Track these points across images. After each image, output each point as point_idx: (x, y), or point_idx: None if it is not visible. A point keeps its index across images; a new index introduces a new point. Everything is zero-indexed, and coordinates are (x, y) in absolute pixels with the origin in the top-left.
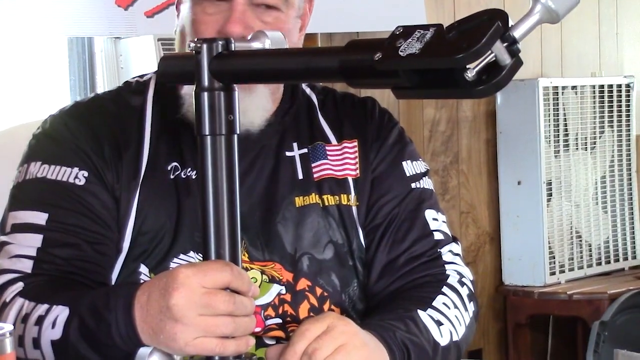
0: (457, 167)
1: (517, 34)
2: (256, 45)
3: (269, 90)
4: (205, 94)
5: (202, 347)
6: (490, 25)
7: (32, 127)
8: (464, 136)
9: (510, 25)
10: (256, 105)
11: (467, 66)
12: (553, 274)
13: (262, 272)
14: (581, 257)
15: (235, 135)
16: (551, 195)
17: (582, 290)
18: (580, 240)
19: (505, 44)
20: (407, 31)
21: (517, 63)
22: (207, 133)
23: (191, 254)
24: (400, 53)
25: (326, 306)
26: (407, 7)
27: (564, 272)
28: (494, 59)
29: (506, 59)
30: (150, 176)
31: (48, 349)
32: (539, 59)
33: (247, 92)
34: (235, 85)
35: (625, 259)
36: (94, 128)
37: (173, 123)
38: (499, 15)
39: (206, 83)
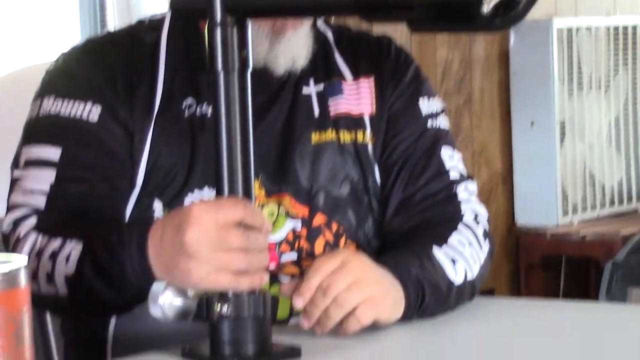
0: (470, 107)
1: None
2: None
3: (310, 30)
4: (218, 28)
5: (215, 282)
6: None
7: (44, 68)
8: (477, 77)
9: None
10: (303, 44)
11: None
12: (566, 214)
13: (279, 205)
14: (594, 198)
15: (249, 71)
16: (564, 136)
17: (595, 230)
18: (594, 181)
19: None
20: None
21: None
22: (220, 69)
23: (205, 189)
24: None
25: (342, 242)
26: None
27: (576, 212)
28: None
29: None
30: (165, 113)
31: (62, 283)
32: None
33: (292, 31)
34: (249, 18)
35: (639, 199)
36: (107, 63)
37: (189, 59)
38: None
39: (219, 18)
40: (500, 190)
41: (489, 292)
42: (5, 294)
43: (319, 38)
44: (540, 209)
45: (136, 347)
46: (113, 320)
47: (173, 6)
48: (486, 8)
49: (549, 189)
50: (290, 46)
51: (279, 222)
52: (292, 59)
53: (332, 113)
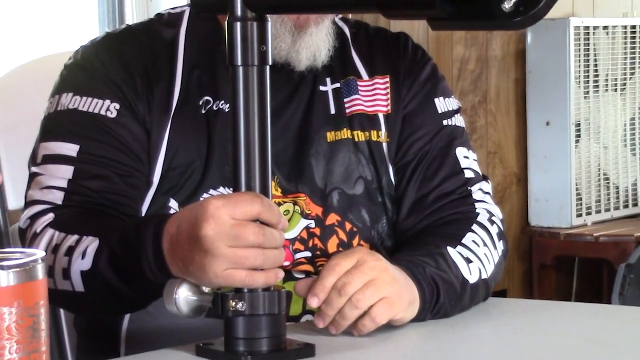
0: (486, 106)
1: None
2: None
3: (331, 25)
4: (238, 23)
5: (231, 278)
6: None
7: (63, 58)
8: (493, 75)
9: None
10: (324, 40)
11: None
12: (579, 215)
13: (294, 203)
14: (608, 199)
15: (268, 67)
16: (580, 137)
17: (609, 232)
18: (608, 182)
19: None
20: None
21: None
22: (239, 63)
23: (220, 189)
24: None
25: (355, 241)
26: None
27: (590, 214)
28: None
29: None
30: (182, 110)
31: (78, 279)
32: None
33: (314, 27)
34: (268, 14)
35: None
36: (125, 59)
37: (208, 55)
38: None
39: (239, 12)
40: (514, 190)
41: (502, 292)
42: (21, 287)
43: (337, 33)
44: (554, 209)
45: (150, 342)
46: (127, 316)
47: (193, 1)
48: (507, 5)
49: (563, 189)
50: (313, 41)
51: (293, 219)
52: (313, 55)
53: (347, 111)
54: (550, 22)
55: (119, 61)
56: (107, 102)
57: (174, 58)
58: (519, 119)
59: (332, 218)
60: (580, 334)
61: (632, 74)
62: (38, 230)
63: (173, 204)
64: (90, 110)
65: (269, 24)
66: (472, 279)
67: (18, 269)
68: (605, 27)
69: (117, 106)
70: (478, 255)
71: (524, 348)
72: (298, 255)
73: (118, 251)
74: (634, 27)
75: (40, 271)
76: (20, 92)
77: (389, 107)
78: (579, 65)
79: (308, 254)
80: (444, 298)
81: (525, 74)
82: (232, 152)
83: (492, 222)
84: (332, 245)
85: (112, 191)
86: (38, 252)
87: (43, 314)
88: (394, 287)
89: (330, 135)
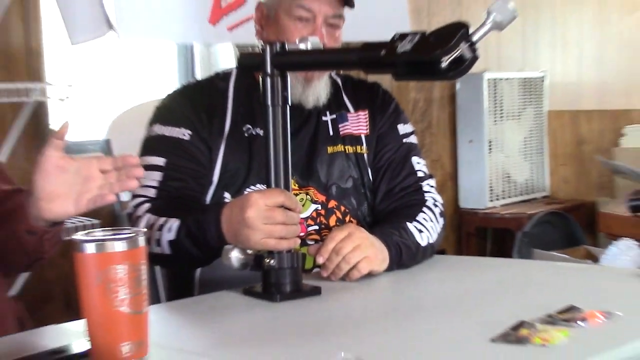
0: (430, 130)
1: (475, 38)
2: (302, 46)
3: (328, 78)
4: (268, 78)
5: (265, 244)
6: (457, 32)
7: (154, 103)
8: (434, 110)
9: (470, 32)
10: (323, 88)
11: (442, 59)
12: (491, 200)
13: (306, 194)
14: (510, 190)
15: (288, 106)
16: (491, 150)
17: (511, 211)
18: (509, 179)
19: (467, 45)
20: (402, 36)
21: (475, 58)
22: (269, 104)
23: (258, 186)
24: (398, 51)
25: (347, 219)
26: (393, 19)
27: (498, 199)
28: (460, 54)
29: (468, 55)
30: (232, 134)
31: (166, 246)
32: (485, 57)
33: (317, 80)
34: (288, 71)
35: (539, 191)
36: (194, 102)
37: (248, 98)
38: (463, 26)
39: (269, 70)
40: (450, 185)
41: (441, 252)
42: (130, 252)
43: (332, 83)
44: (475, 197)
45: (214, 287)
46: (199, 269)
47: (238, 63)
48: (443, 65)
49: (481, 184)
50: (316, 89)
51: (306, 205)
52: (317, 98)
53: (341, 133)
54: (471, 75)
55: (190, 103)
56: (183, 129)
57: (226, 101)
58: (452, 138)
59: (332, 203)
60: (492, 277)
61: (524, 109)
62: (139, 214)
63: (227, 196)
64: (172, 135)
65: (288, 78)
66: (423, 243)
67: (127, 240)
68: (507, 78)
69: (190, 132)
70: (427, 227)
71: (457, 287)
72: (309, 229)
73: (192, 228)
74: (525, 78)
75: (141, 242)
76: (131, 124)
77: (368, 131)
78: (491, 102)
79: (316, 227)
80: (404, 256)
81: (456, 108)
82: (265, 162)
83: (436, 206)
84: (332, 221)
85: (187, 188)
86: (140, 229)
87: (143, 270)
88: (372, 250)
89: (330, 149)
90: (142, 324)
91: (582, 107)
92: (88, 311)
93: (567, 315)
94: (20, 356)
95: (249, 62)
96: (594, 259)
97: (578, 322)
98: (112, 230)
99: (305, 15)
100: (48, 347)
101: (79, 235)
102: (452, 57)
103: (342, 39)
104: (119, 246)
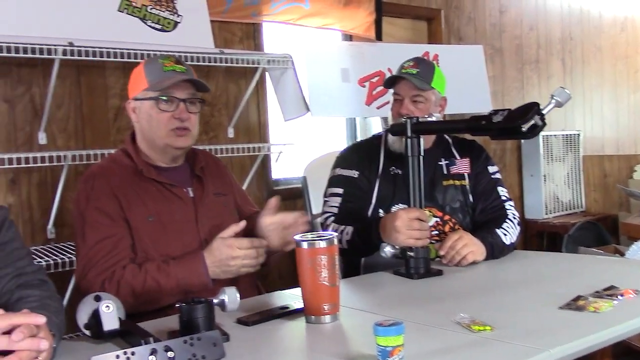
0: (505, 169)
1: (544, 112)
2: (433, 118)
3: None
4: (410, 139)
5: (407, 243)
6: (532, 108)
7: (335, 154)
8: (507, 155)
9: (540, 108)
10: (427, 142)
11: (522, 126)
12: (546, 214)
13: (430, 211)
14: (558, 207)
15: (421, 156)
16: (545, 181)
17: (559, 221)
18: (557, 199)
19: (539, 116)
20: (495, 111)
21: (544, 124)
22: (409, 155)
23: (400, 205)
24: (493, 120)
25: (456, 227)
26: (481, 100)
27: (551, 213)
28: (534, 122)
29: (540, 123)
30: (383, 173)
31: (345, 243)
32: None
33: (427, 138)
34: (421, 135)
35: (578, 208)
36: (359, 154)
37: (394, 152)
38: (536, 104)
39: (409, 133)
40: (518, 204)
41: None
42: (328, 248)
43: (444, 140)
44: (535, 211)
45: (373, 270)
46: (363, 259)
47: (388, 130)
48: (524, 129)
49: (539, 203)
50: (435, 147)
51: (430, 218)
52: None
53: (452, 172)
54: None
55: (356, 155)
56: (354, 171)
57: (379, 154)
58: (519, 174)
59: (446, 217)
60: (551, 265)
61: (566, 154)
62: (327, 223)
63: (381, 212)
64: (347, 174)
65: (422, 139)
66: (507, 242)
67: (327, 240)
68: (555, 135)
69: (358, 172)
70: (509, 232)
71: (529, 271)
72: (433, 233)
73: (361, 232)
74: (566, 134)
75: (335, 240)
76: (320, 167)
77: (469, 170)
78: (544, 151)
79: (437, 232)
80: (495, 251)
81: (521, 154)
82: (407, 191)
83: (514, 218)
84: (447, 229)
85: (357, 207)
86: (332, 233)
87: (336, 259)
88: (475, 246)
89: (445, 182)
90: (335, 292)
91: (605, 152)
92: (303, 283)
93: (610, 292)
94: (261, 310)
95: (395, 129)
96: (621, 254)
97: (618, 296)
98: (317, 234)
99: (397, 98)
100: (277, 305)
101: (298, 237)
102: (529, 125)
103: (445, 112)
104: (322, 244)
